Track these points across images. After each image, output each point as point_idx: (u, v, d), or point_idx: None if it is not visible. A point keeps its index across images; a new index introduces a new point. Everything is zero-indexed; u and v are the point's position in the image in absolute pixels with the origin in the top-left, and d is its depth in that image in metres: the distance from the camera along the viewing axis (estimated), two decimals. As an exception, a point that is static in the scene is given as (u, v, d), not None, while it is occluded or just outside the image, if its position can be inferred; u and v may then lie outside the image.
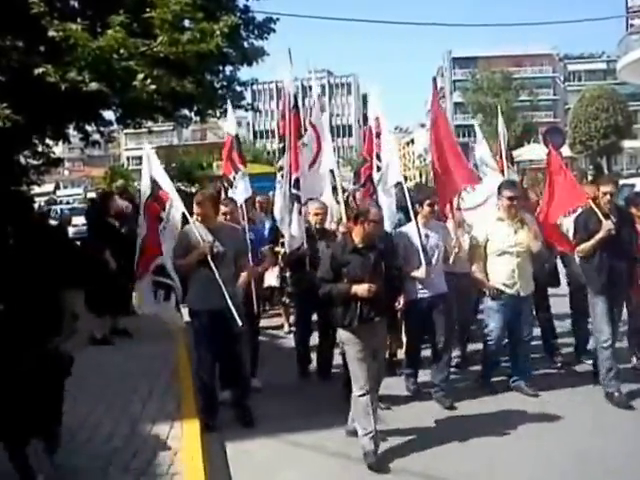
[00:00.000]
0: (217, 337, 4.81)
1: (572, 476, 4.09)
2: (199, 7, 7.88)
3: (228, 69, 9.93)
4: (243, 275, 5.04)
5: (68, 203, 32.33)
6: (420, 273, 5.13)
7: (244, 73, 14.18)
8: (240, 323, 4.68)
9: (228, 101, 6.83)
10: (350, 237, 4.44)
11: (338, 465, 4.37)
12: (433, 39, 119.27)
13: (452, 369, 5.83)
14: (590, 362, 5.81)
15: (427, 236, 5.29)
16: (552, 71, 64.73)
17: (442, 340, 5.25)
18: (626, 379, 5.40)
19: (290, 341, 6.15)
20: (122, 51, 7.48)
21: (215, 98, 8.64)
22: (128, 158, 68.80)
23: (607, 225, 5.10)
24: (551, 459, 4.26)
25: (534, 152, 24.34)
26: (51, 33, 7.28)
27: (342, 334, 4.42)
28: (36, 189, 14.06)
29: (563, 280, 6.36)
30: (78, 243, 9.29)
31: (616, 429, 4.70)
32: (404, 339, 5.83)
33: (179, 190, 7.68)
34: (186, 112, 10.11)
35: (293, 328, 6.87)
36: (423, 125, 58.58)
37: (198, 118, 10.56)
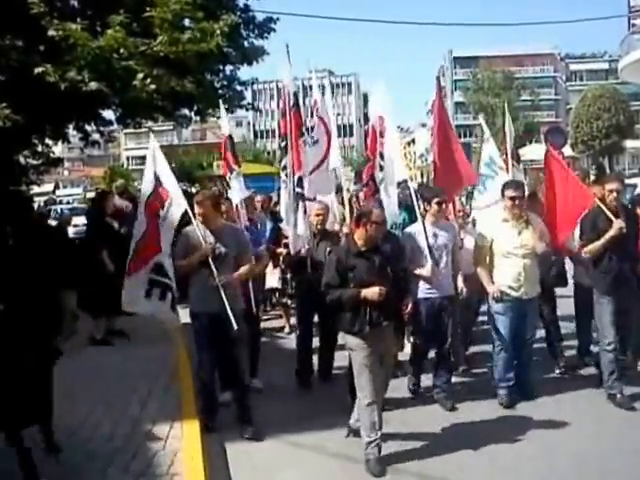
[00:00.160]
0: (217, 339, 4.79)
1: (572, 477, 4.08)
2: (199, 6, 7.86)
3: (228, 69, 9.92)
4: (243, 268, 4.91)
5: (68, 203, 32.31)
6: (426, 271, 5.05)
7: (244, 73, 14.17)
8: (235, 326, 4.63)
9: (220, 102, 6.79)
10: (353, 240, 4.36)
11: (338, 466, 4.36)
12: (434, 39, 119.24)
13: (454, 371, 5.83)
14: (593, 364, 5.75)
15: (435, 235, 5.20)
16: (554, 71, 64.64)
17: (447, 343, 5.21)
18: (629, 382, 5.36)
19: (291, 342, 6.13)
20: (122, 51, 7.46)
21: (215, 98, 8.60)
22: (128, 158, 68.88)
23: (618, 223, 4.99)
24: (552, 462, 4.25)
25: (536, 152, 24.27)
26: (51, 33, 7.26)
27: (349, 340, 4.32)
28: (35, 189, 14.03)
29: (570, 280, 6.22)
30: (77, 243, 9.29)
31: (617, 432, 4.67)
32: (406, 342, 5.82)
33: (179, 190, 7.64)
34: (186, 112, 10.09)
35: (295, 329, 6.84)
36: (424, 125, 58.47)
37: (198, 118, 10.54)
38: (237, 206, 5.67)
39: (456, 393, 5.42)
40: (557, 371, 5.99)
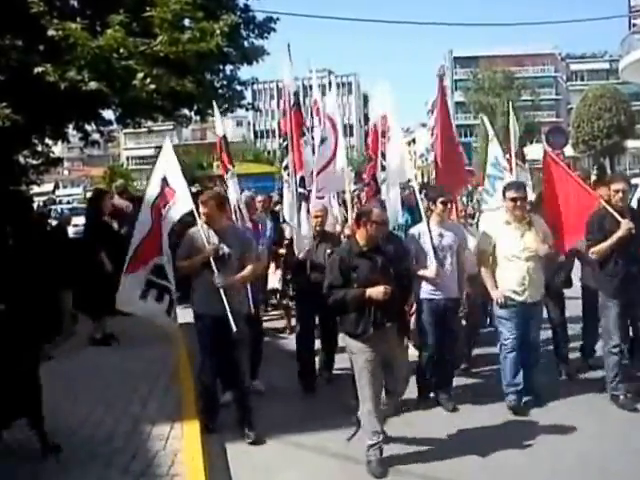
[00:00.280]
0: (220, 341, 4.76)
1: (576, 479, 4.07)
2: (199, 6, 7.83)
3: (228, 68, 9.87)
4: (246, 270, 4.88)
5: (68, 203, 32.29)
6: (429, 272, 4.98)
7: (244, 72, 14.12)
8: (234, 328, 4.60)
9: (214, 102, 6.77)
10: (355, 240, 4.32)
11: (339, 466, 4.35)
12: (434, 39, 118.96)
13: (458, 372, 5.83)
14: (595, 365, 5.72)
15: (441, 235, 5.12)
16: (554, 70, 64.57)
17: (450, 344, 5.17)
18: (633, 384, 5.33)
19: (292, 343, 6.10)
20: (122, 50, 7.43)
21: (215, 97, 8.58)
22: (128, 158, 68.84)
23: (626, 224, 4.92)
24: (556, 465, 4.24)
25: (537, 152, 24.20)
26: (50, 32, 7.23)
27: (350, 343, 4.26)
28: (35, 189, 14.01)
29: (578, 283, 6.12)
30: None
31: (621, 433, 4.66)
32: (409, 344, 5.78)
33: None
34: (186, 112, 10.06)
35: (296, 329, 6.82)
36: (424, 125, 58.38)
37: (198, 118, 10.52)
38: (234, 206, 5.65)
39: (459, 394, 5.40)
40: (563, 374, 5.93)
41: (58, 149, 14.58)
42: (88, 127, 10.43)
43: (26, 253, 6.59)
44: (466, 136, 44.76)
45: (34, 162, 10.97)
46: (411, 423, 4.95)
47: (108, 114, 10.12)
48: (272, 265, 7.36)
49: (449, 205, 5.23)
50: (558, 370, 5.98)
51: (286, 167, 5.98)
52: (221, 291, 4.64)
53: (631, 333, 5.59)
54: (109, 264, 6.99)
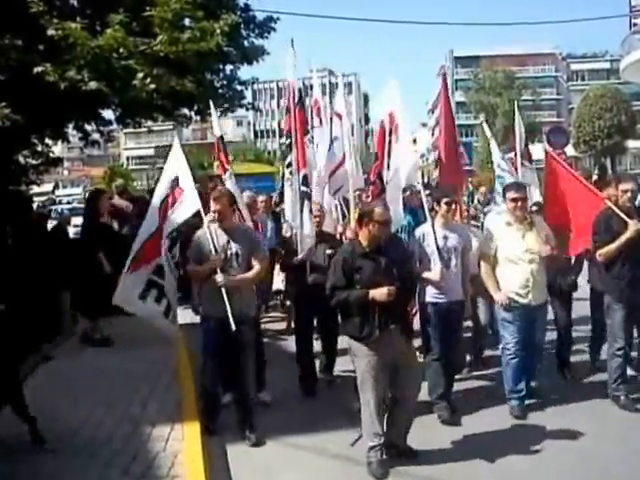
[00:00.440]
0: (225, 343, 4.73)
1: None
2: (199, 6, 7.82)
3: (228, 68, 9.86)
4: (255, 268, 4.82)
5: (68, 203, 32.24)
6: (433, 275, 4.89)
7: (244, 72, 14.10)
8: (233, 328, 4.56)
9: (211, 102, 6.74)
10: (358, 241, 4.25)
11: (339, 468, 4.33)
12: (434, 38, 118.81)
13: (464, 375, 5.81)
14: (603, 367, 5.63)
15: (446, 237, 5.01)
16: (555, 70, 64.50)
17: (454, 348, 5.10)
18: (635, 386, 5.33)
19: (293, 344, 6.08)
20: (122, 50, 7.41)
21: (215, 97, 8.56)
22: (127, 158, 68.82)
23: (634, 225, 4.84)
24: (556, 467, 4.21)
25: (538, 152, 24.20)
26: (50, 32, 7.22)
27: (354, 345, 4.19)
28: (35, 189, 13.98)
29: (586, 285, 6.02)
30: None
31: (623, 434, 4.64)
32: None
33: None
34: (186, 111, 10.05)
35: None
36: (425, 125, 58.42)
37: (198, 117, 10.51)
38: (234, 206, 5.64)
39: (460, 397, 5.35)
40: (566, 377, 5.88)
41: (58, 149, 14.54)
42: (88, 127, 10.42)
43: (25, 253, 6.58)
44: (467, 136, 44.77)
45: (34, 162, 10.94)
46: (414, 425, 4.91)
47: (108, 114, 10.12)
48: (277, 266, 7.32)
49: (453, 206, 5.12)
50: (560, 372, 5.93)
51: (289, 165, 5.93)
52: (223, 290, 4.62)
53: (635, 334, 5.53)
54: (107, 265, 6.96)
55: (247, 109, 11.61)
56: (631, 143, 41.10)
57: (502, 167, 6.98)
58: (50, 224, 9.86)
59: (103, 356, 6.72)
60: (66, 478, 4.00)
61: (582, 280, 6.00)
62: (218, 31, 7.69)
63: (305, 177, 5.71)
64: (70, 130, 10.46)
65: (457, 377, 5.56)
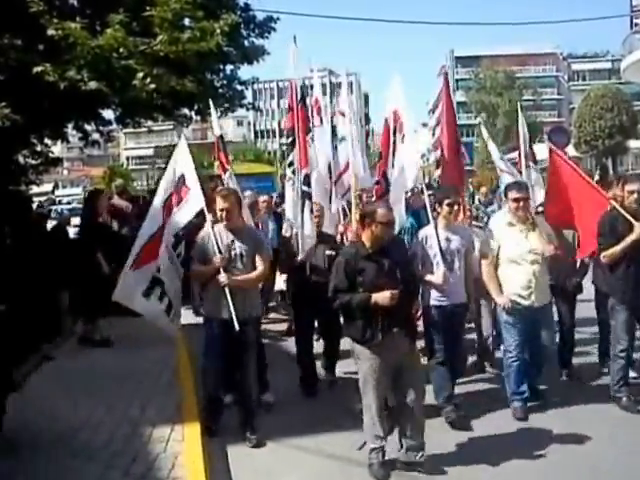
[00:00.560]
0: (228, 344, 4.71)
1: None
2: (199, 5, 7.81)
3: (228, 68, 9.86)
4: (259, 268, 4.79)
5: (68, 203, 32.22)
6: (436, 278, 4.82)
7: (245, 72, 14.16)
8: (237, 327, 4.55)
9: (211, 102, 6.72)
10: (361, 243, 4.20)
11: (340, 469, 4.31)
12: (435, 38, 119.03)
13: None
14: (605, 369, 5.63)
15: (448, 240, 4.94)
16: (556, 70, 64.50)
17: (457, 352, 5.06)
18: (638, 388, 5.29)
19: (294, 345, 6.06)
20: (122, 50, 7.40)
21: (215, 97, 8.55)
22: (127, 158, 68.82)
23: (639, 227, 4.79)
24: (557, 468, 4.19)
25: (539, 152, 24.16)
26: (50, 32, 7.20)
27: (356, 348, 4.15)
28: (35, 189, 13.97)
29: (590, 286, 5.97)
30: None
31: (622, 437, 4.61)
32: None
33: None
34: (186, 111, 10.04)
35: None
36: (425, 124, 58.41)
37: (199, 117, 10.49)
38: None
39: (465, 404, 5.29)
40: (565, 377, 5.85)
41: (58, 149, 14.55)
42: (88, 127, 10.41)
43: (25, 253, 6.57)
44: (468, 136, 44.67)
45: (33, 162, 10.94)
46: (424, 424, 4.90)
47: (108, 114, 10.11)
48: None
49: (456, 207, 5.05)
50: (560, 373, 5.91)
51: (290, 164, 5.90)
52: (226, 290, 4.59)
53: (638, 335, 5.50)
54: (106, 265, 6.94)
55: (247, 109, 11.60)
56: (632, 143, 41.00)
57: (501, 167, 6.97)
58: (50, 224, 9.86)
59: (103, 356, 6.70)
60: (66, 479, 3.98)
61: (586, 282, 5.96)
62: (218, 31, 7.68)
63: (307, 176, 5.66)
64: (70, 130, 10.46)
65: (464, 380, 5.54)
